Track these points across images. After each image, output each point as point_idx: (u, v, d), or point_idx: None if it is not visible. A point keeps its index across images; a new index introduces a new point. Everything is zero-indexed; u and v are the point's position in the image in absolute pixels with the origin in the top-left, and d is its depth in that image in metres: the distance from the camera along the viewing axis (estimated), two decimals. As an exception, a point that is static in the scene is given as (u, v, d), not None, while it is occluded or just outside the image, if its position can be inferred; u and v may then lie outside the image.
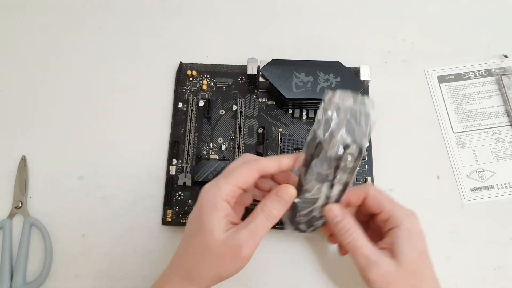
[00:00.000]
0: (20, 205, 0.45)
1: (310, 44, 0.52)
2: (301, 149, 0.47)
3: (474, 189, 0.46)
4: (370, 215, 0.38)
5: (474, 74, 0.50)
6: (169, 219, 0.45)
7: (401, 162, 0.47)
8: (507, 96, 0.48)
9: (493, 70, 0.50)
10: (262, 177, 0.35)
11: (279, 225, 0.44)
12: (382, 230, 0.36)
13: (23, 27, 0.54)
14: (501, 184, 0.46)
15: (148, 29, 0.53)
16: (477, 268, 0.44)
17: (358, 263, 0.34)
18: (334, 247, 0.44)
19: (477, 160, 0.47)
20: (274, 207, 0.33)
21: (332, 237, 0.40)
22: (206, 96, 0.49)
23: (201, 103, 0.49)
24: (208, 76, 0.50)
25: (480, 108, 0.49)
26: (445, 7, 0.54)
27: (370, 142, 0.47)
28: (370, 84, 0.49)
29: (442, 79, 0.50)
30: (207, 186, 0.34)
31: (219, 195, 0.32)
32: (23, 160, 0.47)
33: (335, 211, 0.35)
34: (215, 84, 0.50)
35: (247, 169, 0.34)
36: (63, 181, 0.47)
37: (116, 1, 0.55)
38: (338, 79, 0.46)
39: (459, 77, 0.50)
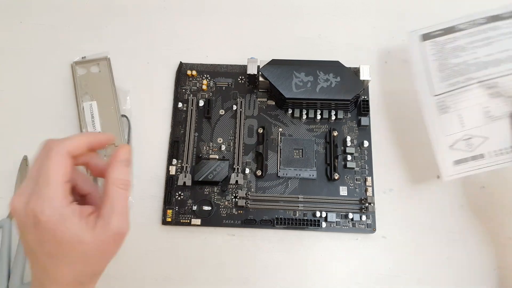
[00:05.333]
0: (20, 205, 0.45)
1: (310, 44, 0.52)
2: (301, 149, 0.47)
3: (458, 162, 0.40)
4: None
5: (472, 24, 0.43)
6: (169, 219, 0.45)
7: (401, 161, 0.47)
8: None
9: (503, 14, 0.42)
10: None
11: (283, 225, 0.44)
12: None
13: (23, 27, 0.54)
14: (494, 151, 0.39)
15: (148, 29, 0.53)
16: (477, 268, 0.44)
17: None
18: (330, 247, 0.44)
19: (463, 126, 0.40)
20: (124, 174, 0.30)
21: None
22: (206, 96, 0.49)
23: (201, 103, 0.49)
24: (208, 76, 0.50)
25: (473, 59, 0.41)
26: (447, 5, 0.54)
27: (370, 142, 0.47)
28: (370, 84, 0.49)
29: (427, 37, 0.44)
30: None
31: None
32: (25, 160, 0.47)
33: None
34: (215, 84, 0.50)
35: None
36: (63, 181, 0.47)
37: (116, 1, 0.55)
38: (338, 79, 0.46)
39: (450, 30, 0.43)
